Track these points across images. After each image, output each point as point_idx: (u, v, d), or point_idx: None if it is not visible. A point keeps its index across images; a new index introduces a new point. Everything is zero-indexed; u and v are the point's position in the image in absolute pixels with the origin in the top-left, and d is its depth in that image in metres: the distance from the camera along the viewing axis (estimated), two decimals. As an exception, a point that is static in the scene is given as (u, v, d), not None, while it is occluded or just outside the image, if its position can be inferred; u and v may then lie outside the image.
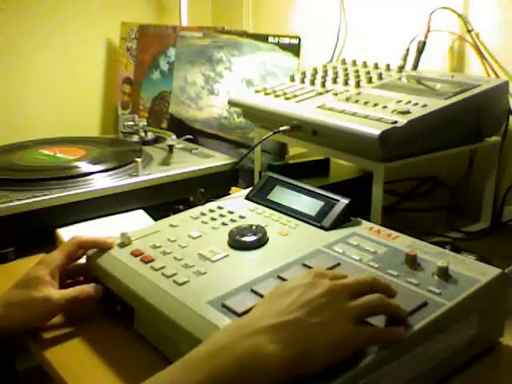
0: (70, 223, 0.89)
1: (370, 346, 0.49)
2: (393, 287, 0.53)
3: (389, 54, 1.09)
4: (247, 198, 0.83)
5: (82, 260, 0.73)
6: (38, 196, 0.87)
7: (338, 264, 0.63)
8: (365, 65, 1.08)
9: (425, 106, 0.82)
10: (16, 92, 1.39)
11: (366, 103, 0.87)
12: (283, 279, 0.60)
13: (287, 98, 0.95)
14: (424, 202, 1.07)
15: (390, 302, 0.51)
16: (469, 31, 1.00)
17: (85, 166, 0.99)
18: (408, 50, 1.04)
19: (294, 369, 0.45)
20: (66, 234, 0.86)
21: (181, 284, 0.61)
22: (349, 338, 0.47)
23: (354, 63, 1.09)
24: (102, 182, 0.95)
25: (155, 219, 0.89)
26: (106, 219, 0.92)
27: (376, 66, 1.06)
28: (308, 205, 0.76)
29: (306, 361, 0.45)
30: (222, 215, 0.78)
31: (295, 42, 1.15)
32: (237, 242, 0.69)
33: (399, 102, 0.86)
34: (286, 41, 1.16)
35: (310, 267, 0.62)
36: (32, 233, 0.87)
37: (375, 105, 0.85)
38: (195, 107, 1.33)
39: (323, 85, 0.98)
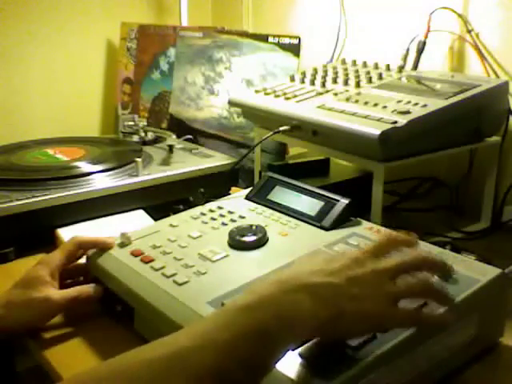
0: (70, 223, 0.89)
1: (406, 328, 0.50)
2: (448, 265, 0.53)
3: (389, 54, 1.09)
4: (247, 198, 0.83)
5: (82, 260, 0.73)
6: (37, 196, 0.87)
7: (338, 264, 0.63)
8: (365, 65, 1.08)
9: (425, 106, 0.82)
10: (16, 92, 1.39)
11: (366, 103, 0.87)
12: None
13: (287, 98, 0.95)
14: (424, 202, 1.07)
15: (437, 288, 0.51)
16: (469, 31, 1.00)
17: (85, 166, 0.99)
18: (408, 50, 1.04)
19: (328, 329, 0.46)
20: (66, 234, 0.86)
21: (181, 284, 0.61)
22: (382, 317, 0.48)
23: (354, 63, 1.09)
24: (102, 182, 0.95)
25: (155, 219, 0.89)
26: (106, 219, 0.92)
27: (376, 66, 1.06)
28: (308, 205, 0.76)
29: (339, 324, 0.46)
30: (221, 215, 0.78)
31: (295, 42, 1.15)
32: (237, 242, 0.69)
33: (399, 102, 0.86)
34: (286, 41, 1.16)
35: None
36: (32, 233, 0.87)
37: (375, 105, 0.85)
38: (195, 107, 1.33)
39: (323, 85, 0.98)
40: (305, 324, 0.45)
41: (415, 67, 1.03)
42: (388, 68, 1.04)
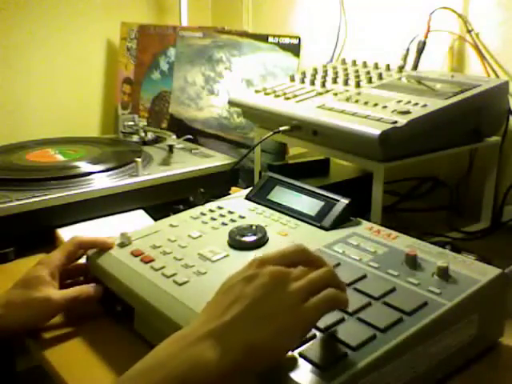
0: (70, 223, 0.89)
1: (324, 315, 0.48)
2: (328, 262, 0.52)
3: (389, 54, 1.09)
4: (247, 198, 0.83)
5: (82, 260, 0.73)
6: (37, 196, 0.87)
7: (338, 264, 0.63)
8: (365, 65, 1.08)
9: (425, 106, 0.82)
10: (16, 92, 1.39)
11: (366, 103, 0.87)
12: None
13: (287, 98, 0.95)
14: (424, 202, 1.07)
15: (335, 274, 0.50)
16: (469, 31, 1.00)
17: (85, 166, 0.99)
18: (408, 50, 1.04)
19: (242, 370, 0.43)
20: (66, 234, 0.86)
21: (181, 284, 0.61)
22: (299, 319, 0.46)
23: (354, 63, 1.09)
24: (102, 182, 0.95)
25: (155, 219, 0.89)
26: (106, 219, 0.92)
27: (376, 66, 1.05)
28: (308, 205, 0.76)
29: (255, 357, 0.43)
30: (221, 215, 0.78)
31: (295, 42, 1.15)
32: (237, 242, 0.69)
33: (399, 102, 0.86)
34: (286, 41, 1.16)
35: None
36: (32, 233, 0.87)
37: (375, 105, 0.85)
38: (195, 107, 1.33)
39: (323, 85, 0.98)
40: (211, 378, 0.42)
41: (415, 67, 1.03)
42: (388, 68, 1.04)
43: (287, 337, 0.45)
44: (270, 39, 1.19)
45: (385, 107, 0.84)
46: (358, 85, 0.96)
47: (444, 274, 0.58)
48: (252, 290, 0.46)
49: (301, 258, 0.51)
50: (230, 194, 0.97)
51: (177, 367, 0.42)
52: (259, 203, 0.81)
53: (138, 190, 0.96)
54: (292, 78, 1.05)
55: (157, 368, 0.43)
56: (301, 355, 0.48)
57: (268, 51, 1.19)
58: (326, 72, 1.05)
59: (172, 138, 1.16)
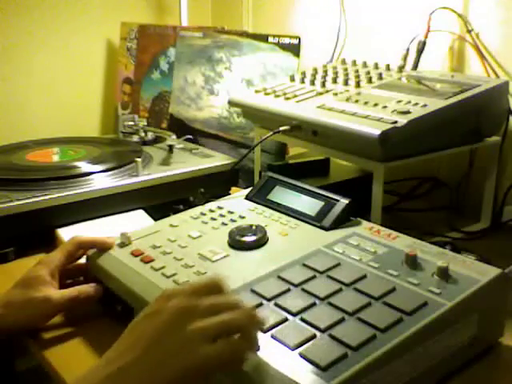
0: (70, 223, 0.89)
1: (229, 367, 0.46)
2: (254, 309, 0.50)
3: (389, 54, 1.09)
4: (247, 198, 0.83)
5: (82, 260, 0.73)
6: (37, 196, 0.87)
7: (338, 264, 0.63)
8: (365, 65, 1.08)
9: (425, 106, 0.82)
10: (16, 92, 1.39)
11: (365, 103, 0.87)
12: (283, 279, 0.60)
13: (287, 98, 0.95)
14: (424, 202, 1.07)
15: (251, 322, 0.47)
16: (469, 31, 1.00)
17: (85, 166, 0.99)
18: (408, 49, 1.04)
19: None
20: (66, 234, 0.86)
21: (181, 284, 0.61)
22: (201, 361, 0.43)
23: (354, 63, 1.09)
24: (102, 181, 0.95)
25: (155, 219, 0.89)
26: (105, 219, 0.92)
27: (376, 66, 1.06)
28: (308, 205, 0.76)
29: None
30: (221, 215, 0.78)
31: (295, 42, 1.15)
32: (237, 242, 0.69)
33: (399, 102, 0.86)
34: (286, 41, 1.16)
35: (310, 267, 0.62)
36: (32, 233, 0.87)
37: (375, 105, 0.85)
38: (195, 107, 1.33)
39: (323, 85, 0.98)
40: None
41: (415, 67, 1.03)
42: (388, 68, 1.04)
43: (190, 378, 0.43)
44: (270, 39, 1.19)
45: (385, 107, 0.84)
46: (358, 85, 0.96)
47: (444, 274, 0.58)
48: (151, 329, 0.44)
49: (214, 293, 0.49)
50: (230, 194, 0.97)
51: None
52: (259, 203, 0.81)
53: (138, 190, 0.96)
54: (292, 78, 1.05)
55: None
56: (301, 355, 0.48)
57: (268, 51, 1.19)
58: (326, 72, 1.05)
59: (172, 138, 1.16)
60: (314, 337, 0.51)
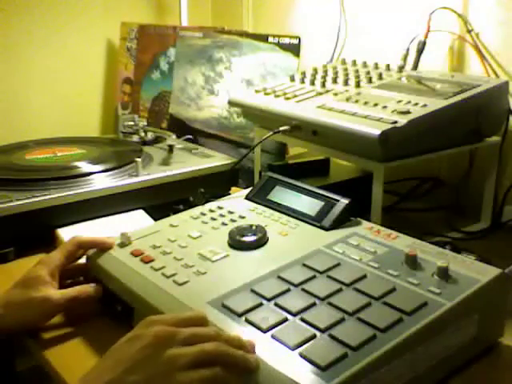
0: (70, 223, 0.89)
1: None
2: (238, 338, 0.49)
3: (389, 54, 1.09)
4: (247, 198, 0.83)
5: (82, 260, 0.73)
6: (37, 196, 0.87)
7: (338, 264, 0.63)
8: (365, 65, 1.08)
9: (425, 106, 0.82)
10: (16, 92, 1.39)
11: (365, 103, 0.87)
12: (283, 279, 0.60)
13: (287, 98, 0.95)
14: (424, 202, 1.07)
15: (233, 350, 0.47)
16: (469, 31, 1.00)
17: (85, 166, 0.99)
18: (408, 49, 1.04)
19: None
20: (66, 234, 0.86)
21: (181, 284, 0.61)
22: None
23: (354, 63, 1.09)
24: (102, 182, 0.95)
25: (155, 219, 0.89)
26: (106, 219, 0.92)
27: (376, 66, 1.06)
28: (308, 205, 0.76)
29: None
30: (221, 215, 0.78)
31: (295, 42, 1.15)
32: (237, 242, 0.69)
33: (399, 102, 0.86)
34: (286, 41, 1.16)
35: (310, 267, 0.62)
36: (32, 233, 0.87)
37: (375, 105, 0.85)
38: (195, 107, 1.33)
39: (323, 85, 0.98)
40: None
41: (415, 67, 1.03)
42: (388, 68, 1.04)
43: None
44: (270, 39, 1.19)
45: (385, 107, 0.84)
46: (358, 85, 0.96)
47: (444, 274, 0.58)
48: (130, 353, 0.45)
49: (196, 325, 0.49)
50: (230, 194, 0.97)
51: None
52: (259, 203, 0.81)
53: (138, 189, 0.96)
54: (292, 78, 1.05)
55: None
56: (301, 355, 0.48)
57: (268, 51, 1.19)
58: (326, 72, 1.05)
59: (172, 138, 1.16)
60: (313, 337, 0.51)
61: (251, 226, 0.71)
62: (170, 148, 1.11)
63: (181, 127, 1.33)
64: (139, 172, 0.98)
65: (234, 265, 0.65)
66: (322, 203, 0.75)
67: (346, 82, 0.98)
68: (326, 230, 0.71)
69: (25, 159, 1.04)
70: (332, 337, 0.50)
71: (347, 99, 0.90)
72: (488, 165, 0.94)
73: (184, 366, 0.45)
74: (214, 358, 0.47)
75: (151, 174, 0.98)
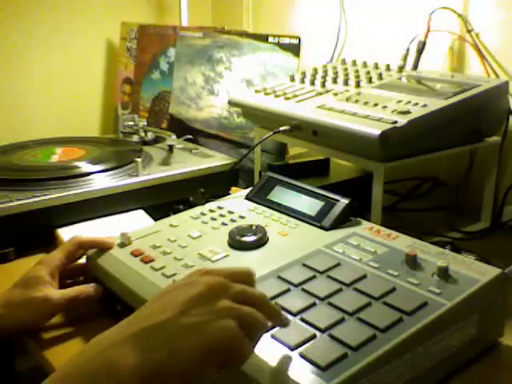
0: (70, 223, 0.89)
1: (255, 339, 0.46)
2: (279, 311, 0.50)
3: (389, 54, 1.09)
4: (247, 198, 0.83)
5: (82, 260, 0.73)
6: (37, 196, 0.87)
7: (338, 264, 0.63)
8: (365, 65, 1.08)
9: (425, 106, 0.82)
10: (16, 92, 1.39)
11: (365, 103, 0.87)
12: (283, 279, 0.60)
13: (287, 98, 0.95)
14: (424, 202, 1.07)
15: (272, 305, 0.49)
16: (469, 31, 1.00)
17: (85, 166, 0.99)
18: (408, 49, 1.04)
19: (160, 378, 0.40)
20: (66, 234, 0.86)
21: (181, 284, 0.61)
22: (225, 334, 0.43)
23: (354, 63, 1.09)
24: (102, 182, 0.95)
25: (155, 219, 0.89)
26: (106, 219, 0.92)
27: (376, 66, 1.05)
28: (308, 205, 0.76)
29: (172, 366, 0.41)
30: (221, 215, 0.78)
31: (295, 42, 1.15)
32: (237, 242, 0.69)
33: (399, 102, 0.86)
34: (286, 41, 1.16)
35: (310, 267, 0.62)
36: (32, 233, 0.87)
37: (375, 105, 0.85)
38: (195, 107, 1.33)
39: (323, 85, 0.98)
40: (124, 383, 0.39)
41: (415, 67, 1.03)
42: (388, 68, 1.04)
43: (211, 351, 0.42)
44: (270, 39, 1.19)
45: (385, 107, 0.84)
46: (357, 85, 0.96)
47: (444, 274, 0.58)
48: (184, 297, 0.45)
49: (246, 283, 0.49)
50: (230, 194, 0.97)
51: (90, 374, 0.39)
52: (259, 203, 0.81)
53: (138, 189, 0.96)
54: (292, 78, 1.05)
55: (73, 372, 0.40)
56: (301, 355, 0.48)
57: (268, 51, 1.19)
58: (326, 72, 1.05)
59: (172, 138, 1.16)
60: (313, 337, 0.51)
61: (251, 225, 0.71)
62: (170, 148, 1.11)
63: (181, 127, 1.33)
64: (139, 172, 0.98)
65: (233, 265, 0.65)
66: (322, 203, 0.75)
67: (346, 82, 0.98)
68: (326, 230, 0.71)
69: (25, 159, 1.04)
70: (332, 337, 0.50)
71: (347, 99, 0.90)
72: (488, 165, 0.94)
73: (232, 318, 0.44)
74: (257, 324, 0.46)
75: (151, 174, 0.98)
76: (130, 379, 0.39)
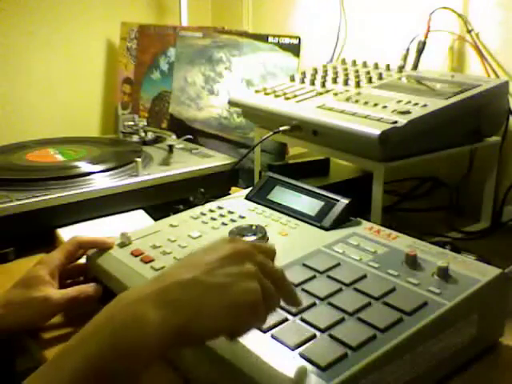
0: (70, 223, 0.89)
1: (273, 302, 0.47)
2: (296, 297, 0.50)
3: (389, 54, 1.09)
4: (247, 198, 0.83)
5: (82, 260, 0.73)
6: (37, 196, 0.87)
7: (338, 264, 0.63)
8: (365, 65, 1.08)
9: (425, 106, 0.82)
10: (16, 92, 1.39)
11: (365, 103, 0.87)
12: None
13: (287, 98, 0.95)
14: (424, 202, 1.07)
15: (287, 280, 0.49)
16: (469, 31, 1.00)
17: (85, 166, 0.99)
18: (408, 49, 1.04)
19: (183, 335, 0.41)
20: (66, 234, 0.86)
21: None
22: (250, 297, 0.44)
23: (354, 63, 1.09)
24: (102, 182, 0.95)
25: (155, 219, 0.89)
26: (106, 219, 0.92)
27: (376, 66, 1.06)
28: (308, 205, 0.76)
29: (198, 323, 0.41)
30: (221, 215, 0.78)
31: (295, 42, 1.15)
32: (237, 242, 0.69)
33: (399, 102, 0.86)
34: (286, 41, 1.16)
35: (310, 267, 0.62)
36: (32, 233, 0.87)
37: (375, 105, 0.85)
38: (195, 107, 1.33)
39: (323, 85, 0.98)
40: (150, 339, 0.39)
41: (415, 67, 1.03)
42: (388, 68, 1.04)
43: (235, 311, 0.43)
44: (270, 39, 1.19)
45: (385, 107, 0.84)
46: (358, 85, 0.96)
47: (444, 274, 0.58)
48: (212, 258, 0.45)
49: (268, 256, 0.50)
50: (230, 194, 0.97)
51: (115, 328, 0.39)
52: (259, 203, 0.81)
53: (138, 190, 0.96)
54: (292, 78, 1.05)
55: (94, 337, 0.40)
56: (301, 355, 0.48)
57: (268, 51, 1.19)
58: (326, 72, 1.05)
59: (172, 138, 1.16)
60: (313, 337, 0.51)
61: (251, 225, 0.71)
62: (170, 148, 1.11)
63: (181, 127, 1.33)
64: (139, 172, 0.98)
65: (234, 265, 0.65)
66: (322, 203, 0.75)
67: (346, 82, 0.98)
68: (326, 229, 0.71)
69: (25, 159, 1.04)
70: (332, 337, 0.50)
71: (347, 99, 0.90)
72: (488, 165, 0.94)
73: (258, 280, 0.45)
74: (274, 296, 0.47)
75: (151, 174, 0.98)
76: (154, 336, 0.39)
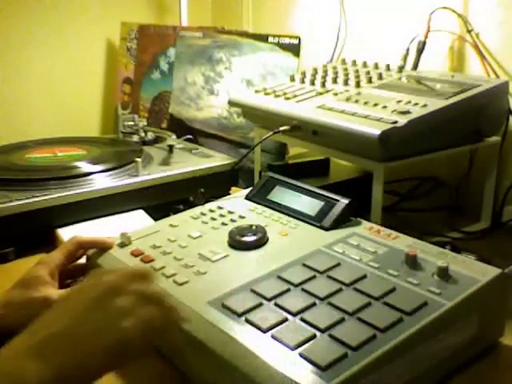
0: (70, 223, 0.89)
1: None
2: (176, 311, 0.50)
3: (389, 54, 1.09)
4: (247, 198, 0.83)
5: (82, 260, 0.73)
6: (37, 196, 0.87)
7: (338, 264, 0.63)
8: (365, 65, 1.08)
9: (425, 105, 0.82)
10: (16, 92, 1.39)
11: (365, 103, 0.87)
12: (283, 279, 0.60)
13: (287, 98, 0.95)
14: (424, 201, 1.07)
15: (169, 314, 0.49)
16: (469, 31, 1.00)
17: (85, 166, 0.99)
18: (408, 49, 1.04)
19: (70, 379, 0.41)
20: (66, 234, 0.86)
21: (181, 284, 0.61)
22: (120, 335, 0.44)
23: (354, 63, 1.09)
24: (102, 182, 0.95)
25: (155, 219, 0.89)
26: (106, 219, 0.92)
27: (376, 66, 1.06)
28: (308, 205, 0.76)
29: (78, 372, 0.42)
30: (221, 215, 0.78)
31: (295, 42, 1.15)
32: (237, 242, 0.69)
33: (399, 102, 0.86)
34: (286, 41, 1.16)
35: (310, 267, 0.62)
36: (32, 233, 0.87)
37: (375, 105, 0.85)
38: (195, 107, 1.33)
39: (323, 85, 0.98)
40: None
41: (415, 67, 1.03)
42: (388, 68, 1.04)
43: (115, 356, 0.44)
44: (270, 39, 1.19)
45: (385, 107, 0.84)
46: (358, 85, 0.96)
47: (444, 274, 0.58)
48: (82, 303, 0.46)
49: (144, 279, 0.50)
50: (230, 194, 0.97)
51: None
52: (259, 203, 0.81)
53: (138, 190, 0.96)
54: (292, 78, 1.05)
55: None
56: (301, 355, 0.48)
57: (268, 51, 1.20)
58: (326, 72, 1.05)
59: (172, 138, 1.16)
60: (313, 337, 0.51)
61: (251, 226, 0.71)
62: (170, 148, 1.11)
63: (181, 127, 1.33)
64: (139, 172, 0.98)
65: (234, 265, 0.65)
66: (322, 203, 0.75)
67: (346, 82, 0.98)
68: (326, 229, 0.71)
69: (25, 159, 1.04)
70: (332, 337, 0.50)
71: (347, 99, 0.90)
72: (488, 165, 0.94)
73: (128, 317, 0.45)
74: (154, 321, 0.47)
75: (151, 174, 0.98)
76: None
